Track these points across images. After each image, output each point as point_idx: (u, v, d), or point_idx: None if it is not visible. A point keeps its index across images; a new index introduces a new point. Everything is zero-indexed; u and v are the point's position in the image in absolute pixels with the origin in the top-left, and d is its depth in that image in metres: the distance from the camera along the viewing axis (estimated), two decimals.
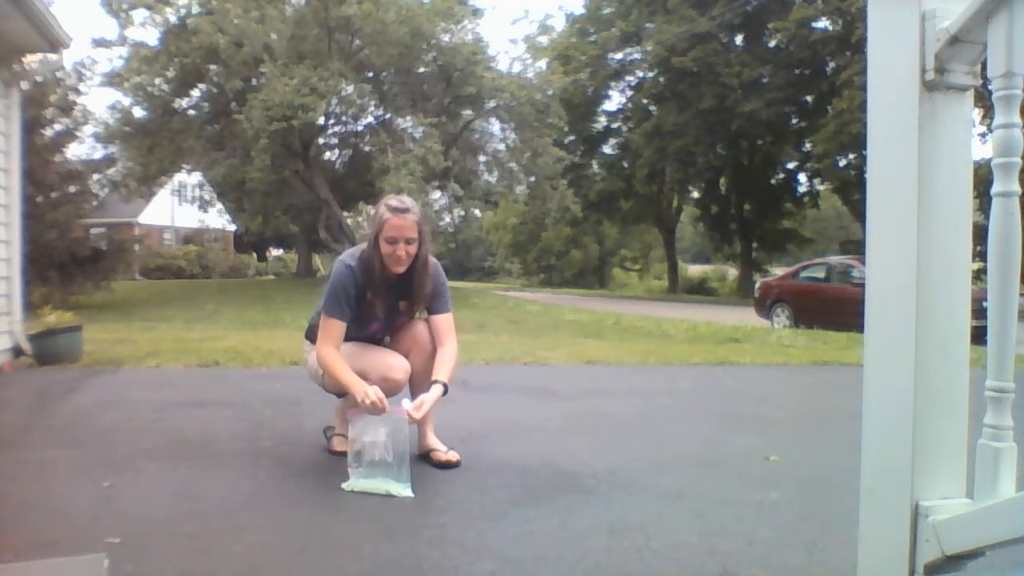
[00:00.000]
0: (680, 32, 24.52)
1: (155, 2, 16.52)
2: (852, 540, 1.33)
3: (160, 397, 4.11)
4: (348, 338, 2.75)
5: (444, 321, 2.83)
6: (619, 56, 28.65)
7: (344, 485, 2.46)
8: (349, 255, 2.77)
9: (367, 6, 15.08)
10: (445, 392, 2.67)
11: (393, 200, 2.70)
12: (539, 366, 5.75)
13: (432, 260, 2.82)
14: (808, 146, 25.69)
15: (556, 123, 18.87)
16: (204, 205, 24.43)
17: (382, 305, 2.75)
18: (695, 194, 32.26)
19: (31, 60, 5.60)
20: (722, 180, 30.26)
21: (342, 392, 2.78)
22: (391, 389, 2.65)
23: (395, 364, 2.74)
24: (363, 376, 2.63)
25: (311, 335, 2.88)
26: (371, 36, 16.05)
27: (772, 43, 25.94)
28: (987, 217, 1.14)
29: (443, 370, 2.71)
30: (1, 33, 4.93)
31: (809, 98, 25.59)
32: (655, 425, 3.72)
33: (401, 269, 2.69)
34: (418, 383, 2.76)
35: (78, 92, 14.16)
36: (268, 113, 14.63)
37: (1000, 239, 1.13)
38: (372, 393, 2.50)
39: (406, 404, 2.58)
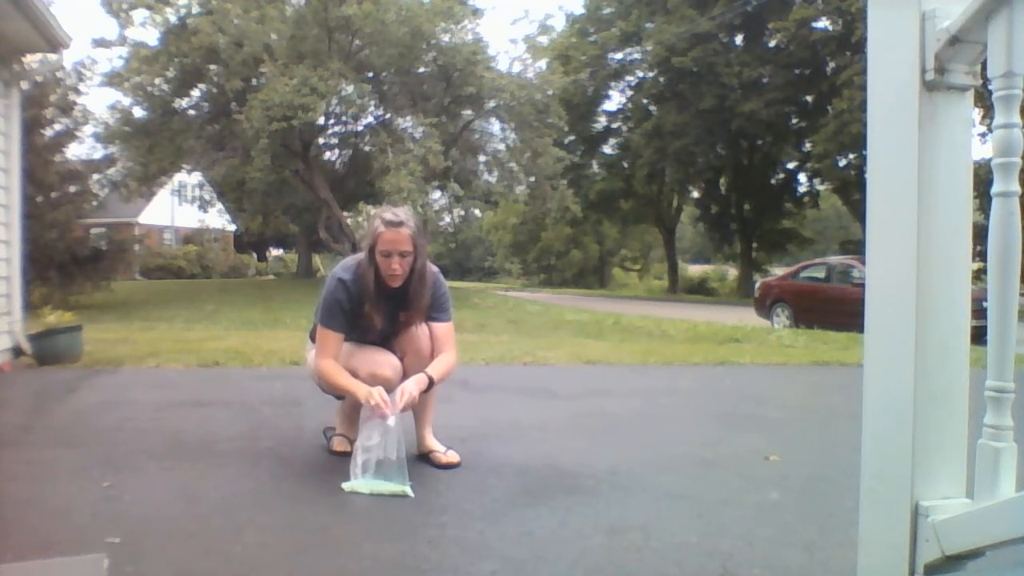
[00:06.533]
0: (680, 32, 24.52)
1: (155, 2, 16.51)
2: (852, 540, 1.33)
3: (160, 397, 4.11)
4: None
5: (444, 330, 2.79)
6: (619, 56, 28.66)
7: (344, 485, 2.46)
8: (343, 268, 2.76)
9: (367, 6, 15.07)
10: (429, 386, 2.63)
11: (388, 213, 2.66)
12: (539, 366, 5.75)
13: (432, 269, 2.79)
14: (808, 146, 25.69)
15: (556, 123, 18.84)
16: (204, 205, 24.41)
17: (379, 317, 2.72)
18: (695, 194, 32.24)
19: (31, 60, 5.60)
20: (722, 180, 30.24)
21: (339, 393, 2.79)
22: (381, 386, 2.60)
23: (383, 361, 2.73)
24: (352, 374, 2.64)
25: (314, 334, 2.89)
26: (371, 36, 16.04)
27: (772, 43, 25.93)
28: (987, 217, 1.14)
29: (436, 367, 2.69)
30: (1, 33, 4.94)
31: (809, 98, 25.57)
32: (655, 425, 3.72)
33: (396, 283, 2.66)
34: None
35: (78, 92, 14.21)
36: (268, 113, 14.62)
37: (1000, 239, 1.13)
38: (376, 394, 2.50)
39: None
